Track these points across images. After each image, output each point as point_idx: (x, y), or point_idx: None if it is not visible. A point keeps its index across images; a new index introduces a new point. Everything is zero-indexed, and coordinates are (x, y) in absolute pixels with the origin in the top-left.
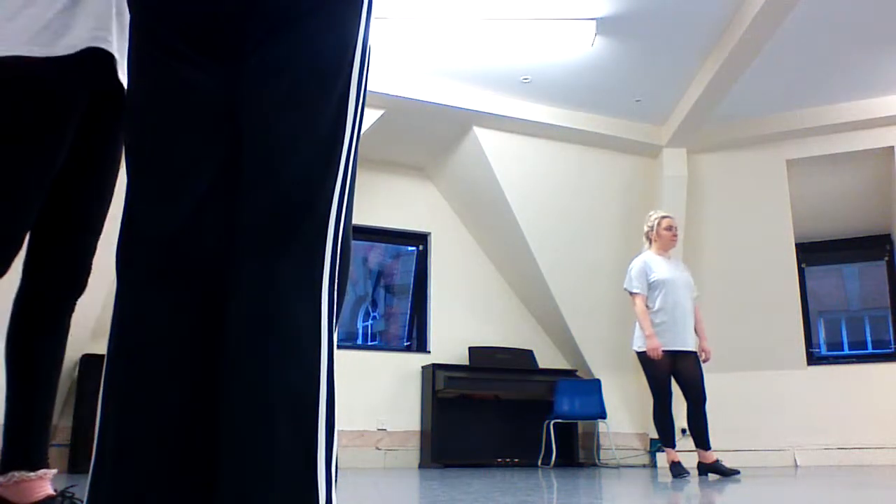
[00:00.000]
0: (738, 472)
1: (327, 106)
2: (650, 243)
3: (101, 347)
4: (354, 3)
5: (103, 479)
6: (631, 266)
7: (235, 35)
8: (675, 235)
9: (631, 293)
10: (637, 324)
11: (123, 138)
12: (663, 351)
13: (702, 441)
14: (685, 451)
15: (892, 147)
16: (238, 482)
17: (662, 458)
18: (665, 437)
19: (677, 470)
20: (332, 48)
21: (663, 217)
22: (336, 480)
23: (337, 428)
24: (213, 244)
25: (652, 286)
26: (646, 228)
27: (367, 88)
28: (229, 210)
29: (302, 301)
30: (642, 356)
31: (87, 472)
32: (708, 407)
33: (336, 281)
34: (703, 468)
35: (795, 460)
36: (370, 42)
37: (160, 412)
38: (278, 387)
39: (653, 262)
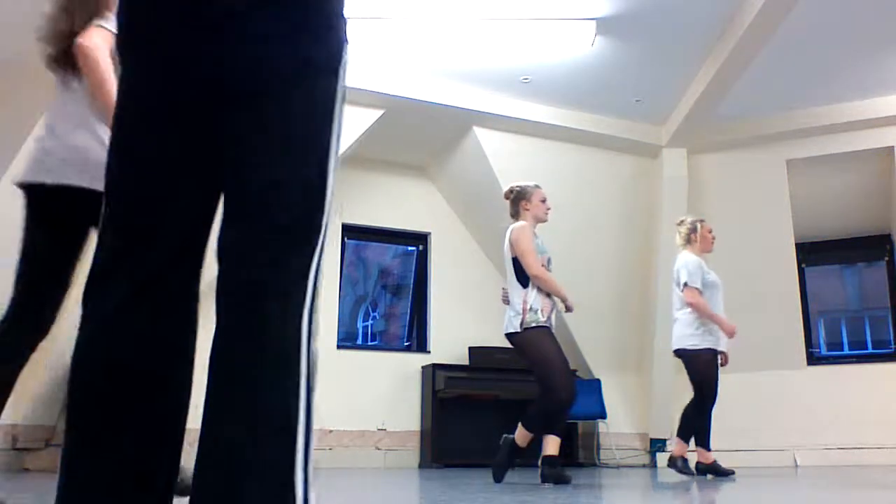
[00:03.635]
0: (733, 473)
1: (313, 161)
2: (688, 244)
3: None
4: (332, 75)
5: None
6: (685, 262)
7: (216, 100)
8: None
9: (692, 289)
10: (681, 323)
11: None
12: (714, 351)
13: (703, 440)
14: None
15: (892, 147)
16: (223, 478)
17: (662, 458)
18: (705, 438)
19: (721, 469)
20: (314, 116)
21: (703, 221)
22: (313, 482)
23: (314, 434)
24: (181, 281)
25: (705, 286)
26: (685, 230)
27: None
28: (197, 254)
29: (291, 320)
30: (695, 356)
31: None
32: None
33: (317, 300)
34: (703, 468)
35: (795, 460)
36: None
37: (123, 446)
38: (268, 397)
39: (704, 264)
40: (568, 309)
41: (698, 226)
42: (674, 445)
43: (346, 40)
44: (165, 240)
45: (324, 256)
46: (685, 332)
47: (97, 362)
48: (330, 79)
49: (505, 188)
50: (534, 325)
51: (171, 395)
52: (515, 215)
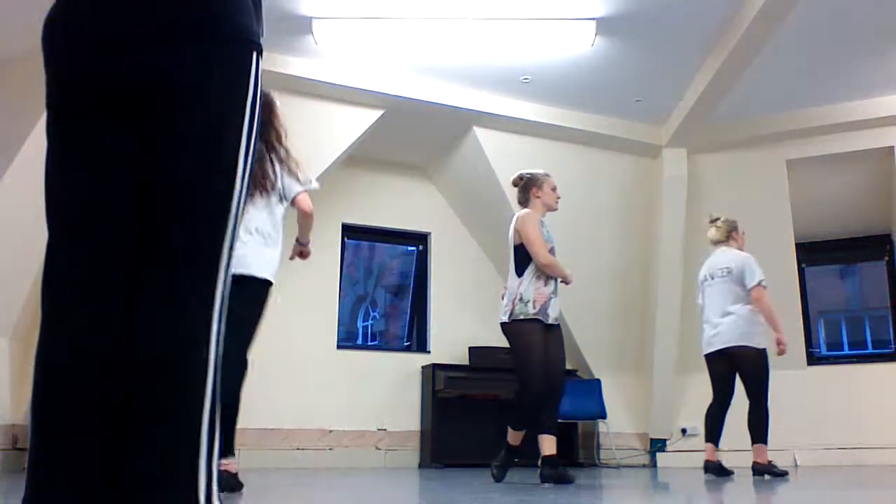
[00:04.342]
0: (732, 473)
1: (225, 165)
2: (730, 241)
3: None
4: (243, 80)
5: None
6: (747, 258)
7: (138, 107)
8: None
9: (763, 287)
10: (743, 319)
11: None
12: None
13: (716, 438)
14: (686, 451)
15: (892, 147)
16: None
17: (662, 458)
18: (716, 437)
19: (778, 470)
20: (225, 118)
21: (737, 222)
22: (216, 474)
23: (217, 426)
24: (120, 274)
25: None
26: (724, 226)
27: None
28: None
29: (200, 314)
30: (758, 355)
31: None
32: None
33: (224, 300)
34: (710, 467)
35: (795, 460)
36: (258, 100)
37: (83, 431)
38: (174, 384)
39: None
40: (565, 281)
41: (738, 225)
42: (754, 454)
43: (258, 50)
44: (103, 236)
45: (228, 273)
46: (749, 330)
47: (54, 360)
48: (237, 92)
49: (506, 186)
50: (522, 316)
51: (125, 387)
52: (524, 203)
